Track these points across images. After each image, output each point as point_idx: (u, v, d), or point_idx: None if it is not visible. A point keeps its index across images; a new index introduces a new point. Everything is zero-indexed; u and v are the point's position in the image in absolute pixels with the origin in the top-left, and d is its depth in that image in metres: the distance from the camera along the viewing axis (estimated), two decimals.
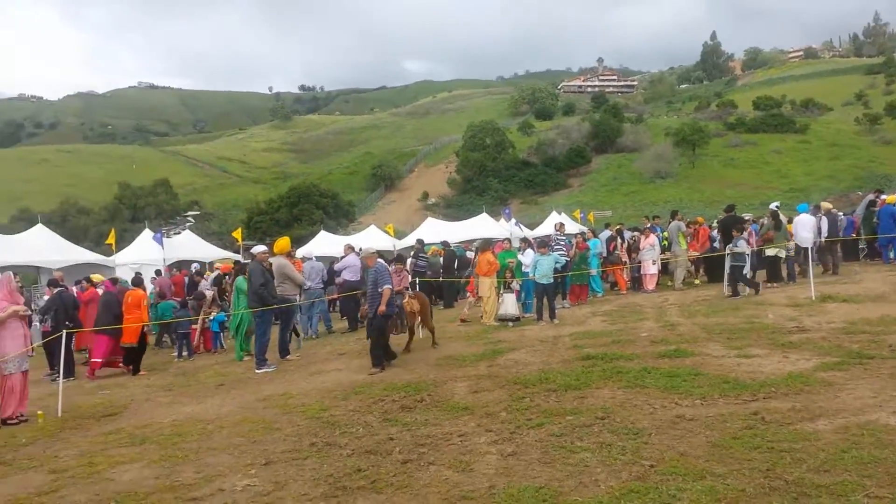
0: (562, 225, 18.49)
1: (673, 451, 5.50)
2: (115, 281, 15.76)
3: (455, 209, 69.08)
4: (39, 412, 9.27)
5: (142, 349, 13.27)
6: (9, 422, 9.00)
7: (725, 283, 15.02)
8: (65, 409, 9.46)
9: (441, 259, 20.02)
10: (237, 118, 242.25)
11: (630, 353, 9.62)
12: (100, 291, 15.28)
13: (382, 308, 10.41)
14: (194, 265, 21.32)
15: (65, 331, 10.86)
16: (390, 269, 11.36)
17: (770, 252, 15.90)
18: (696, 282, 18.69)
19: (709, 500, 4.53)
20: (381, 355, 10.51)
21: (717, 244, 18.05)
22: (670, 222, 17.84)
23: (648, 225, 18.64)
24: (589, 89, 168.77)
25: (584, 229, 24.87)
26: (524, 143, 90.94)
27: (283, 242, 13.41)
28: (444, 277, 19.22)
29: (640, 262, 17.78)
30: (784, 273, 16.43)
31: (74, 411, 9.49)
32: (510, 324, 13.82)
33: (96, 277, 16.70)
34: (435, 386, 8.73)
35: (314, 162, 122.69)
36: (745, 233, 15.41)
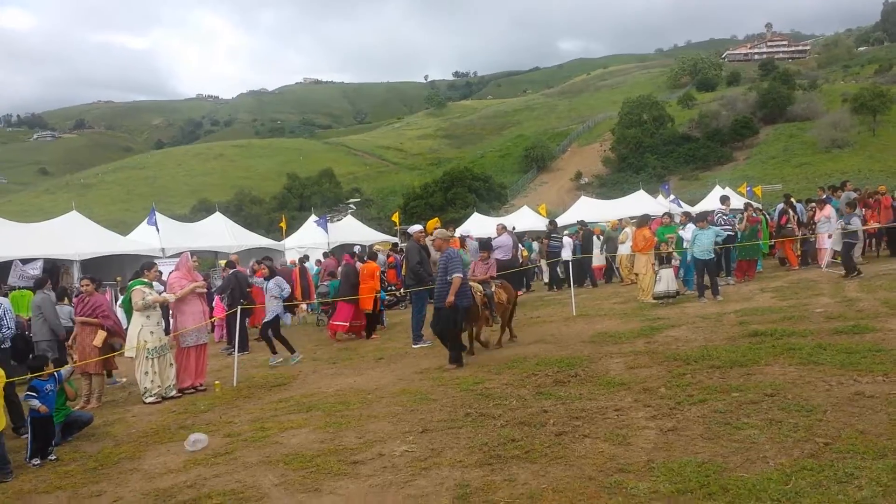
0: (727, 199, 17.45)
1: (850, 429, 5.06)
2: (352, 255, 17.01)
3: (609, 188, 67.39)
4: (217, 382, 10.04)
5: (374, 316, 14.24)
6: (185, 391, 9.81)
7: None
8: (239, 380, 10.19)
9: (571, 241, 19.78)
10: (395, 107, 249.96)
11: (803, 329, 8.95)
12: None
13: (451, 299, 9.31)
14: (356, 247, 22.28)
15: (240, 307, 11.64)
16: (468, 258, 10.82)
17: None
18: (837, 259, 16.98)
19: (890, 478, 4.13)
20: (459, 349, 9.60)
21: None
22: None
23: (824, 196, 17.22)
24: (756, 57, 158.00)
25: (752, 203, 23.43)
26: (684, 116, 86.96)
27: (431, 223, 13.73)
28: (582, 256, 18.99)
29: (815, 236, 16.46)
30: None
31: (248, 382, 10.19)
32: (666, 301, 13.27)
33: None
34: (589, 361, 8.56)
35: (467, 146, 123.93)
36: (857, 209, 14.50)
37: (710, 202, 30.78)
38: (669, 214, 18.21)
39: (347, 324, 14.03)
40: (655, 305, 13.16)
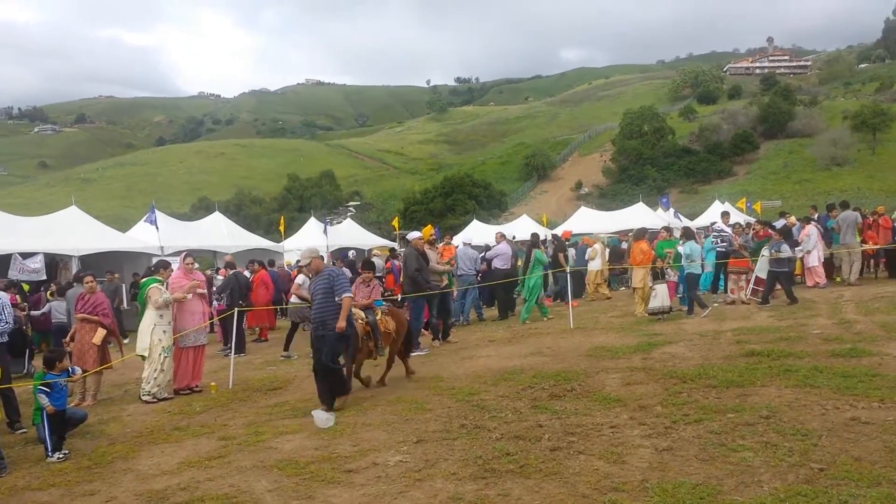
0: (727, 214, 17.49)
1: (846, 455, 5.06)
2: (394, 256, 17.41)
3: (609, 199, 67.45)
4: (212, 384, 10.05)
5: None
6: (181, 392, 9.82)
7: None
8: (235, 382, 10.19)
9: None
10: (396, 111, 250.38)
11: (800, 350, 8.95)
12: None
13: (342, 324, 7.95)
14: (351, 251, 22.33)
15: (237, 309, 11.65)
16: (349, 276, 9.32)
17: None
18: (837, 279, 16.92)
19: None
20: (334, 388, 8.06)
21: None
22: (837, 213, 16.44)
23: (815, 215, 17.31)
24: (757, 71, 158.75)
25: (751, 219, 23.53)
26: (685, 129, 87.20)
27: (426, 231, 13.76)
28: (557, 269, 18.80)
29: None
30: None
31: (244, 384, 10.19)
32: (661, 317, 13.29)
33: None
34: (586, 376, 8.56)
35: (468, 153, 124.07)
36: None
37: (710, 216, 30.87)
38: (668, 229, 18.25)
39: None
40: (651, 320, 13.17)
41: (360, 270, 10.55)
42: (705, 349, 9.74)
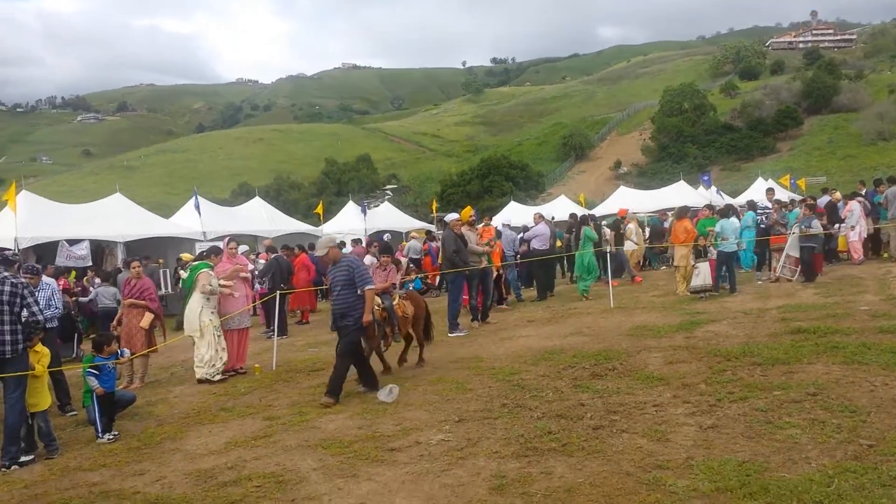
0: (771, 190, 17.12)
1: (895, 431, 4.95)
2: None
3: (649, 177, 66.45)
4: (256, 366, 10.21)
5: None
6: (226, 374, 9.98)
7: None
8: (278, 364, 10.33)
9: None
10: (432, 94, 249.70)
11: (847, 327, 8.77)
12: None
13: (368, 318, 7.88)
14: (385, 235, 22.43)
15: (279, 292, 11.80)
16: (371, 262, 9.52)
17: None
18: (885, 255, 16.49)
19: None
20: (363, 379, 8.19)
21: None
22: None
23: (863, 191, 16.85)
24: (801, 45, 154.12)
25: (795, 196, 23.02)
26: (727, 105, 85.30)
27: (465, 212, 13.71)
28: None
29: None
30: None
31: (287, 366, 10.32)
32: (703, 295, 13.10)
33: (186, 256, 17.05)
34: (627, 355, 8.50)
35: (504, 134, 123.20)
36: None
37: (753, 194, 30.30)
38: (710, 206, 17.96)
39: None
40: (694, 299, 13.01)
41: (381, 255, 10.53)
42: (750, 327, 9.60)
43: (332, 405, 7.50)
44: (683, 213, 15.08)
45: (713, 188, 31.74)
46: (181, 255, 15.00)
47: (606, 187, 59.82)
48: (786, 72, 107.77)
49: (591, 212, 24.93)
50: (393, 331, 8.85)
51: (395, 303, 9.02)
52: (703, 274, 13.35)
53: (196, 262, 10.57)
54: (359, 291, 7.90)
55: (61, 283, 14.96)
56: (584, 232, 15.00)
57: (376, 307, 8.49)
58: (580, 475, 4.82)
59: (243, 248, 13.88)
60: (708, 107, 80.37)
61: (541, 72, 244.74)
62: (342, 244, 19.57)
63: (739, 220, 15.31)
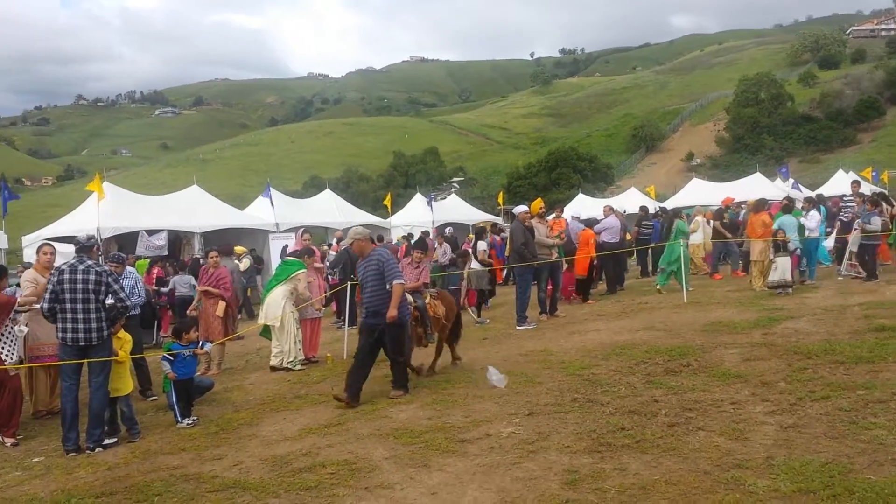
0: (856, 183, 16.38)
1: None
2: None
3: (722, 169, 64.65)
4: (328, 355, 10.41)
5: (590, 280, 14.80)
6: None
7: None
8: (349, 353, 10.46)
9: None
10: (499, 86, 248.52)
11: None
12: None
13: (393, 313, 7.44)
14: (448, 228, 22.55)
15: (349, 283, 11.95)
16: (402, 258, 9.24)
17: None
18: None
19: None
20: (395, 379, 7.81)
21: None
22: None
23: None
24: (883, 33, 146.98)
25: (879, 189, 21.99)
26: (805, 95, 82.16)
27: (535, 204, 13.61)
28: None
29: None
30: None
31: None
32: (781, 291, 12.65)
33: (239, 249, 16.83)
34: (702, 351, 8.29)
35: (573, 125, 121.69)
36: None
37: (832, 186, 29.13)
38: (790, 199, 17.32)
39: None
40: (771, 295, 12.58)
41: (413, 250, 10.31)
42: (831, 324, 9.25)
43: (400, 396, 7.53)
44: (761, 206, 14.57)
45: (791, 180, 30.59)
46: (234, 247, 15.50)
47: (678, 179, 58.53)
48: (867, 60, 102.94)
49: (663, 204, 24.43)
50: (426, 332, 8.51)
51: (426, 301, 8.73)
52: (781, 269, 12.90)
53: (290, 258, 10.79)
54: (387, 286, 7.56)
55: (155, 271, 15.62)
56: (676, 224, 14.96)
57: (408, 306, 8.20)
58: (655, 473, 4.72)
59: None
60: (785, 97, 77.64)
61: (611, 62, 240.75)
62: (380, 238, 19.66)
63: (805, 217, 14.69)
